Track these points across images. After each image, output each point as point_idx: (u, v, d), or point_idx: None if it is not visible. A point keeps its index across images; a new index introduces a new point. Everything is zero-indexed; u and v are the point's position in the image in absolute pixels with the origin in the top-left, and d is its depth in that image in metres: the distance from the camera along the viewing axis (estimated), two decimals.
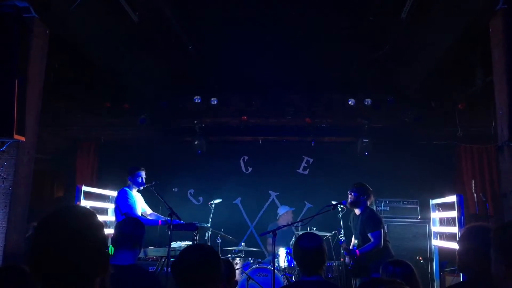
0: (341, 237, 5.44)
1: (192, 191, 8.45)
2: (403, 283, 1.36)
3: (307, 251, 2.90)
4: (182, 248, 5.63)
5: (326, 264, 3.00)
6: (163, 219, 5.56)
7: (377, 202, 7.02)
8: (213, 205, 6.48)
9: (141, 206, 5.81)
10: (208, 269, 2.08)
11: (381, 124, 7.94)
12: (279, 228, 5.03)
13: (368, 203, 5.23)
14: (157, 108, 7.61)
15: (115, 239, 3.04)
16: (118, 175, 6.65)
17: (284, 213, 7.21)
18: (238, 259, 6.28)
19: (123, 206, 5.50)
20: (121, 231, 3.08)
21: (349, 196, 5.24)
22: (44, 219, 1.29)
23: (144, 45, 5.98)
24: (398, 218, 6.94)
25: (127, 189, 5.68)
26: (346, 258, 5.15)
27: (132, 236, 3.04)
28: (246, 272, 5.86)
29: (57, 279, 1.23)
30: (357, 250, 4.98)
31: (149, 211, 5.95)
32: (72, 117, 8.15)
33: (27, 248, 4.27)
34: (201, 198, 8.34)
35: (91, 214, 1.33)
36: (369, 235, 4.96)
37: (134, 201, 5.64)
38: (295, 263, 5.85)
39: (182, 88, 7.58)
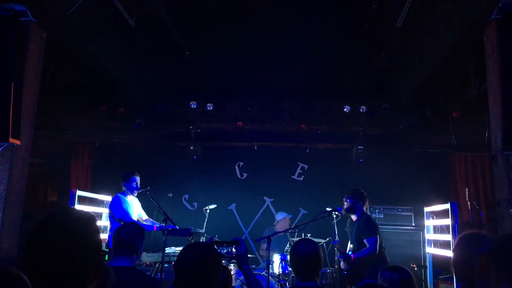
0: (336, 238, 5.40)
1: (187, 196, 8.42)
2: None
3: (303, 257, 2.89)
4: (176, 254, 5.65)
5: (321, 270, 3.00)
6: (158, 225, 5.52)
7: (372, 209, 7.04)
8: (208, 211, 6.47)
9: (137, 212, 5.76)
10: (212, 269, 2.10)
11: (376, 131, 7.98)
12: (274, 234, 5.02)
13: (364, 209, 5.25)
14: (153, 112, 7.58)
15: (113, 245, 3.00)
16: (112, 179, 6.62)
17: (281, 219, 7.20)
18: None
19: (118, 211, 5.46)
20: (118, 238, 3.04)
21: (345, 203, 5.25)
22: (40, 221, 1.27)
23: (140, 50, 5.99)
24: (392, 225, 6.96)
25: (121, 195, 5.64)
26: (341, 263, 5.15)
27: (129, 243, 3.01)
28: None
29: (49, 283, 1.21)
30: (352, 254, 4.99)
31: (145, 216, 5.91)
32: (67, 120, 8.10)
33: (20, 252, 4.23)
34: (195, 204, 8.30)
35: (88, 218, 1.31)
36: (364, 241, 4.97)
37: (128, 206, 5.59)
38: (289, 269, 5.87)
39: (178, 93, 7.58)
